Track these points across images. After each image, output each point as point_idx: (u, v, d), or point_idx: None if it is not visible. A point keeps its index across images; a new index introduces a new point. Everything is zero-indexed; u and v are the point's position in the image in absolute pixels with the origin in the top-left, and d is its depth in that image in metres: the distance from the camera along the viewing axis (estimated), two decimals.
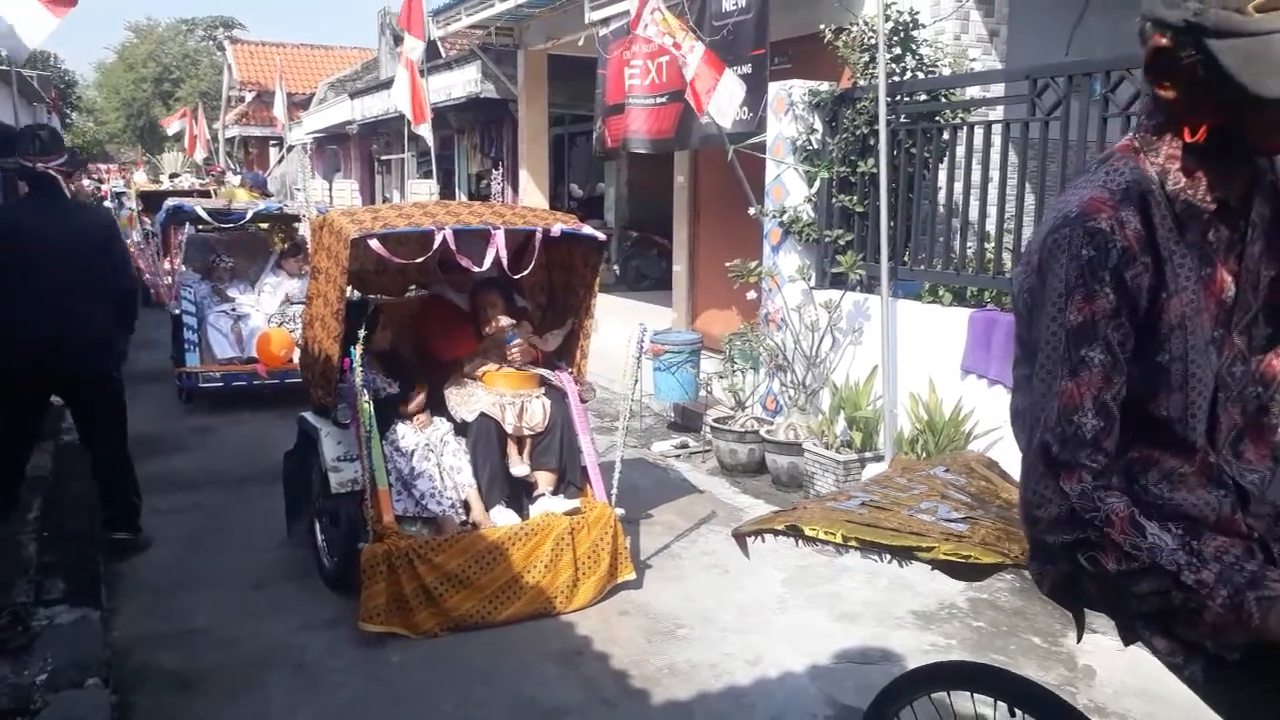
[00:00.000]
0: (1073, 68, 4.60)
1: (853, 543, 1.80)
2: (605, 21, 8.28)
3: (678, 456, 6.25)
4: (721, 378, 6.40)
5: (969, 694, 1.91)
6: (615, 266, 12.66)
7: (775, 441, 5.61)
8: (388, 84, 14.32)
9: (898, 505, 1.91)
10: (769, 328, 6.16)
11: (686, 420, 6.81)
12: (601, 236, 4.50)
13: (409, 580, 3.71)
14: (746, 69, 6.30)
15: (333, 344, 4.09)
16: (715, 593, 4.13)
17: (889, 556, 1.80)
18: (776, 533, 1.92)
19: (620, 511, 4.17)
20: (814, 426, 5.58)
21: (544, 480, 4.30)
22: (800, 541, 1.89)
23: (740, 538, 2.06)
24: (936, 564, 1.74)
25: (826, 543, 1.84)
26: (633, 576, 4.12)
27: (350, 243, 3.91)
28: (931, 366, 5.12)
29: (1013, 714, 1.84)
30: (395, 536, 3.79)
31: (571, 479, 4.32)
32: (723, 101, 5.65)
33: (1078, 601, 1.63)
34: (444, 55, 13.62)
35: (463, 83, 12.61)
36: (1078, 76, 4.50)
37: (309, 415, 4.36)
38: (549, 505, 4.16)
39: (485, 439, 4.20)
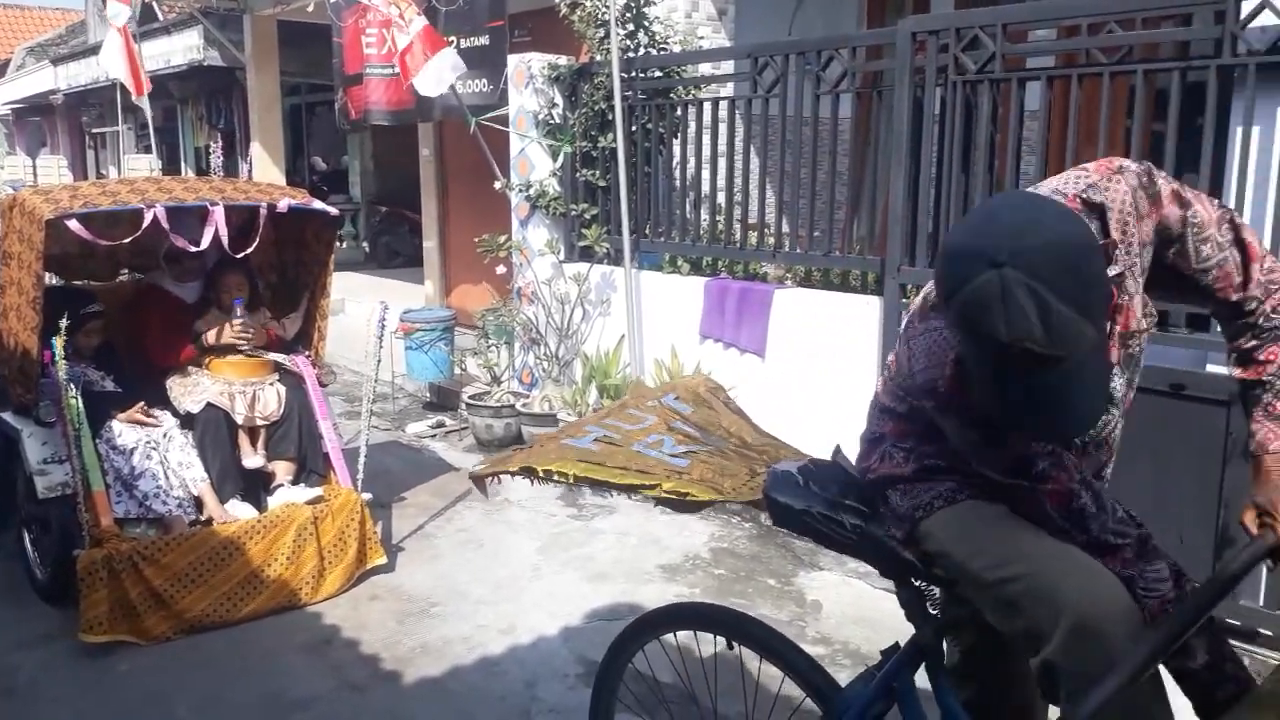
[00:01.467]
0: (788, 47, 4.90)
1: (584, 481, 1.86)
2: None
3: (433, 436, 6.17)
4: (476, 354, 6.37)
5: (692, 633, 2.05)
6: (364, 243, 12.26)
7: (531, 414, 5.66)
8: (96, 49, 13.00)
9: (628, 440, 1.99)
10: (521, 302, 6.18)
11: (442, 399, 6.73)
12: (334, 211, 4.34)
13: (134, 584, 3.45)
14: (484, 40, 6.26)
15: (30, 336, 3.71)
16: (470, 568, 4.13)
17: (616, 492, 1.88)
18: (512, 473, 1.95)
19: (367, 496, 4.07)
20: (568, 397, 5.68)
21: (283, 470, 4.13)
22: (535, 481, 1.93)
23: (478, 479, 2.08)
24: (659, 500, 1.85)
25: (560, 480, 1.89)
26: (384, 560, 4.04)
27: (45, 224, 3.55)
28: (674, 333, 5.34)
29: (730, 646, 1.99)
30: (115, 540, 3.51)
31: (313, 467, 4.17)
32: (429, 77, 5.62)
33: None
34: (160, 19, 12.54)
35: (183, 49, 11.68)
36: (794, 55, 4.80)
37: (8, 416, 3.94)
38: (289, 495, 3.99)
39: (213, 431, 3.96)
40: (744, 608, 3.59)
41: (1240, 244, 1.58)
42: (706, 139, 5.29)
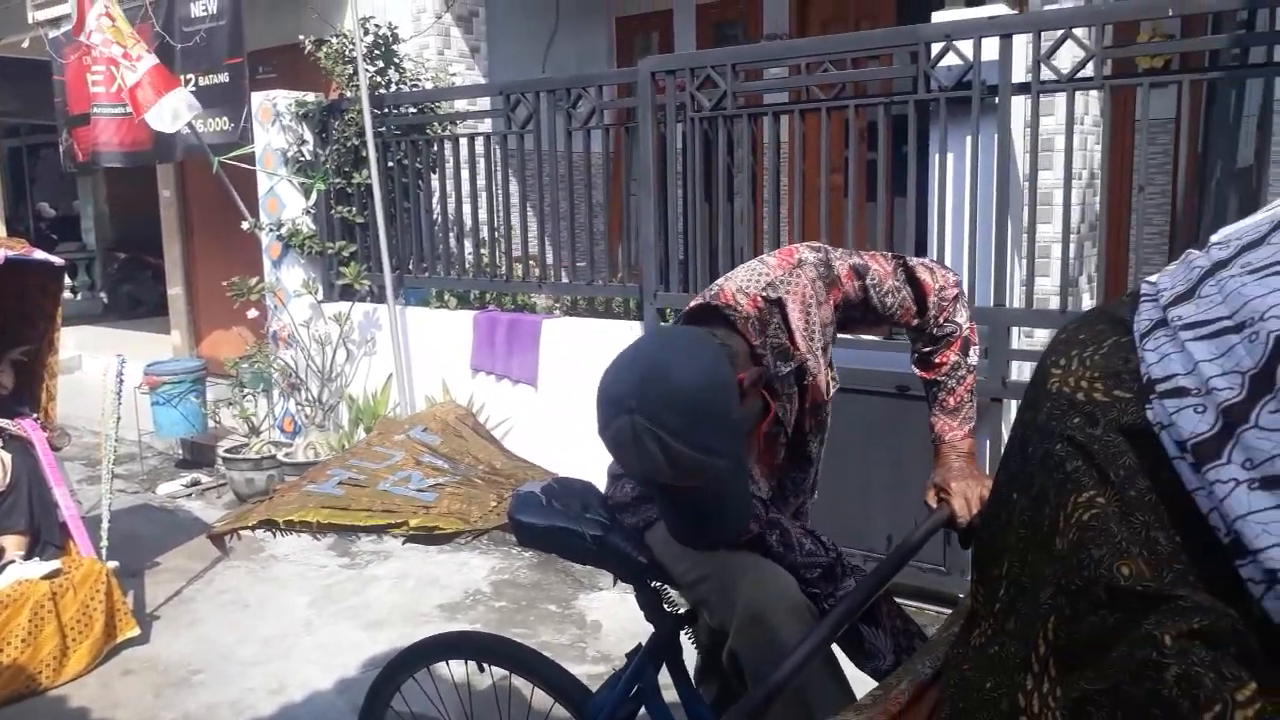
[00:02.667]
0: (539, 85, 5.03)
1: (328, 528, 1.83)
2: (55, 22, 7.35)
3: (189, 495, 5.78)
4: (231, 404, 6.04)
5: (447, 662, 2.06)
6: (102, 293, 11.30)
7: (295, 463, 5.42)
8: None
9: (374, 479, 1.97)
10: (278, 346, 5.93)
11: (196, 455, 6.31)
12: (58, 261, 4.02)
13: None
14: (223, 77, 6.00)
15: None
16: (235, 630, 3.90)
17: (364, 535, 1.86)
18: (252, 528, 1.89)
19: (114, 564, 3.77)
20: (334, 443, 5.49)
21: (13, 545, 3.74)
22: (278, 534, 1.88)
23: (216, 538, 1.99)
24: (408, 538, 1.85)
25: (304, 530, 1.85)
26: (136, 632, 3.75)
27: None
28: (445, 368, 5.30)
29: (481, 669, 2.02)
30: None
31: (49, 539, 3.81)
32: (164, 112, 5.36)
33: None
34: None
35: None
36: (545, 93, 4.92)
37: None
38: (22, 571, 3.63)
39: None
40: (525, 637, 3.61)
41: (914, 282, 1.79)
42: (465, 174, 5.32)
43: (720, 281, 1.71)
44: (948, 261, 3.70)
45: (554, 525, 1.80)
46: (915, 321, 1.82)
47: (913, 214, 3.75)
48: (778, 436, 1.79)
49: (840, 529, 3.53)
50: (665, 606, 1.92)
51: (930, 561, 3.65)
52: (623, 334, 4.62)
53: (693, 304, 1.71)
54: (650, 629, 1.96)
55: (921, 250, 3.97)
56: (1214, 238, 1.21)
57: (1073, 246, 3.87)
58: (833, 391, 1.84)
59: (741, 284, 1.67)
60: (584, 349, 4.76)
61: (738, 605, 1.71)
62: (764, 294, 1.65)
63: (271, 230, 5.87)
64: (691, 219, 4.29)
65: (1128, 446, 1.04)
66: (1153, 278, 1.28)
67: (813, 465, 1.89)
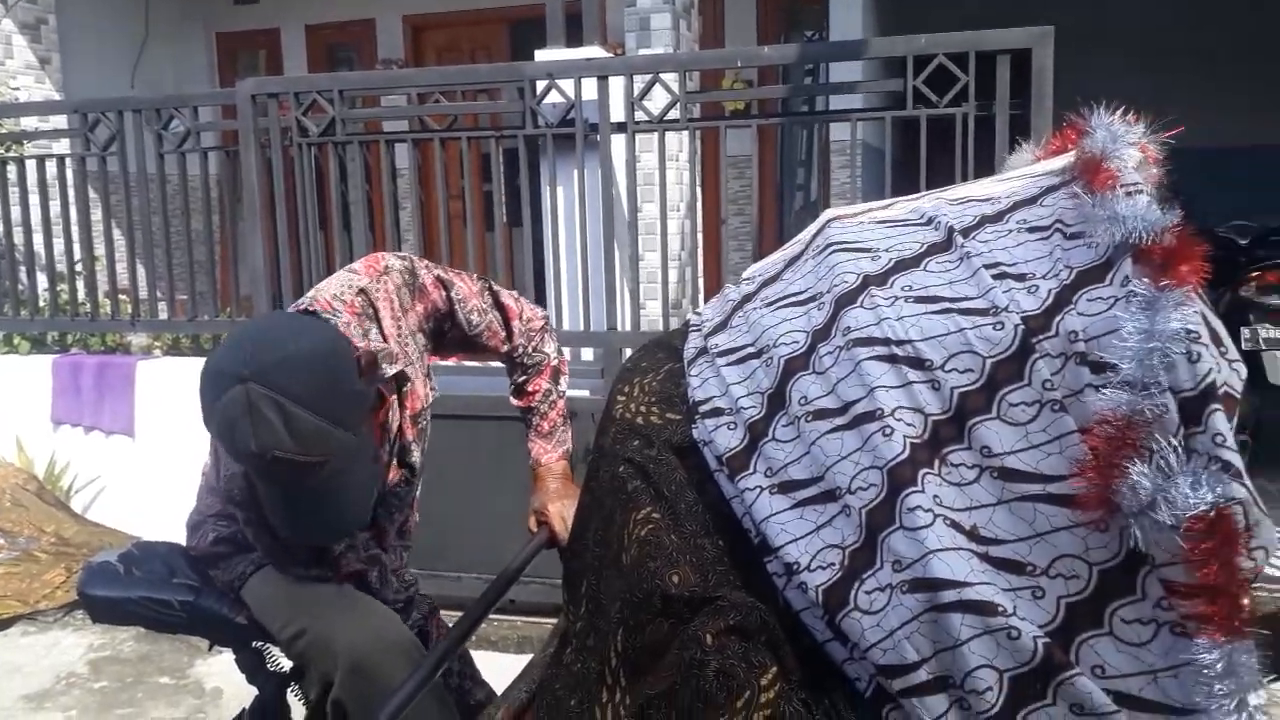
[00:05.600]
0: (123, 103, 4.56)
1: None
2: None
3: None
4: None
5: None
6: None
7: None
8: None
9: None
10: None
11: None
12: None
13: None
14: None
15: None
16: None
17: None
18: None
19: None
20: None
21: None
22: None
23: None
24: None
25: None
26: None
27: None
28: (19, 423, 4.61)
29: None
30: None
31: None
32: None
33: None
34: None
35: None
36: (131, 112, 4.47)
37: None
38: None
39: None
40: (133, 716, 3.24)
41: (500, 307, 1.88)
42: (36, 199, 4.68)
43: (312, 292, 1.71)
44: (563, 287, 3.87)
45: (134, 596, 1.64)
46: (504, 348, 1.90)
47: (529, 243, 3.88)
48: (383, 442, 1.77)
49: (459, 556, 3.56)
50: (269, 667, 1.81)
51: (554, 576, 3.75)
52: None
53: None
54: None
55: (540, 277, 4.12)
56: (745, 273, 1.39)
57: (674, 272, 4.21)
58: (431, 399, 1.86)
59: (336, 291, 1.67)
60: (188, 392, 4.36)
61: (339, 656, 1.66)
62: (358, 299, 1.67)
63: None
64: (307, 248, 4.11)
65: (678, 464, 1.16)
66: (699, 309, 1.44)
67: (416, 477, 1.89)
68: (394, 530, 1.87)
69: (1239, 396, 0.98)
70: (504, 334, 1.88)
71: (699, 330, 1.27)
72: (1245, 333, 5.04)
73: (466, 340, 1.85)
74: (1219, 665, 0.88)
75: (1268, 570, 1.00)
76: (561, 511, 1.85)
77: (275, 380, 1.36)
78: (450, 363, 4.19)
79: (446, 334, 1.83)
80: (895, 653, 0.95)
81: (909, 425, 1.01)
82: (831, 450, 1.04)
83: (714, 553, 1.07)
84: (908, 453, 1.00)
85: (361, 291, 1.68)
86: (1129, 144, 1.10)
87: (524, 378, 1.94)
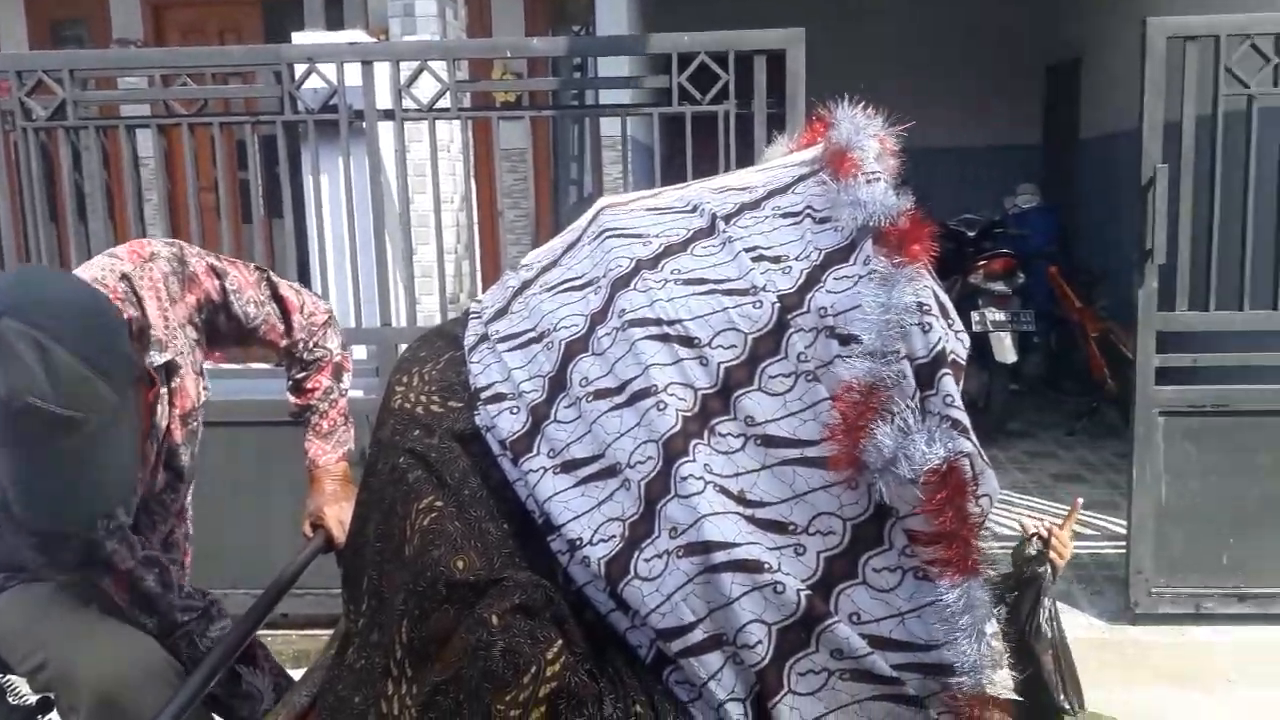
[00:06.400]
0: None
1: None
2: None
3: None
4: None
5: None
6: None
7: None
8: None
9: None
10: None
11: None
12: None
13: None
14: None
15: None
16: None
17: None
18: None
19: None
20: None
21: None
22: None
23: None
24: None
25: None
26: None
27: None
28: None
29: None
30: None
31: None
32: None
33: None
34: None
35: None
36: None
37: None
38: None
39: None
40: None
41: (278, 299, 1.78)
42: None
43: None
44: (331, 283, 3.73)
45: None
46: (283, 342, 1.80)
47: (292, 236, 3.70)
48: (150, 437, 1.63)
49: (238, 567, 3.36)
50: (11, 700, 1.64)
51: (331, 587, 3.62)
52: None
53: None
54: None
55: (305, 272, 3.94)
56: (523, 260, 1.40)
57: (451, 265, 4.15)
58: (203, 400, 1.73)
59: (96, 275, 1.53)
60: None
61: (84, 689, 1.51)
62: (121, 285, 1.54)
63: None
64: (35, 243, 3.72)
65: (461, 451, 1.16)
66: (480, 296, 1.44)
67: (184, 483, 1.76)
68: (158, 541, 1.72)
69: (964, 363, 1.11)
70: (283, 328, 1.78)
71: (479, 318, 1.27)
72: (975, 316, 5.58)
73: (243, 334, 1.74)
74: (958, 603, 0.98)
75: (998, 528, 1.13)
76: (339, 514, 1.78)
77: (35, 317, 1.18)
78: (210, 365, 3.95)
79: (221, 328, 1.71)
80: (673, 615, 1.00)
81: (680, 400, 1.07)
82: (611, 427, 1.07)
83: (498, 536, 1.08)
84: (680, 425, 1.05)
85: (124, 277, 1.53)
86: (869, 136, 1.21)
87: (303, 374, 1.85)
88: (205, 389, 1.75)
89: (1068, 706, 1.74)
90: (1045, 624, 1.75)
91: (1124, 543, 3.54)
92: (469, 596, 1.02)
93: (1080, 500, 2.04)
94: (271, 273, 1.82)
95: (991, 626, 0.99)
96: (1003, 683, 0.98)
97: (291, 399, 1.88)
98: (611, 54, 4.53)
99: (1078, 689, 1.76)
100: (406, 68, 3.56)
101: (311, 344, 1.83)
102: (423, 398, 1.19)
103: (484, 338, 1.23)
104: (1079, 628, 3.43)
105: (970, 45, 8.23)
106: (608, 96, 4.57)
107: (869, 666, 1.00)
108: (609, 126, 5.09)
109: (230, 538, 3.51)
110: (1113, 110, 6.51)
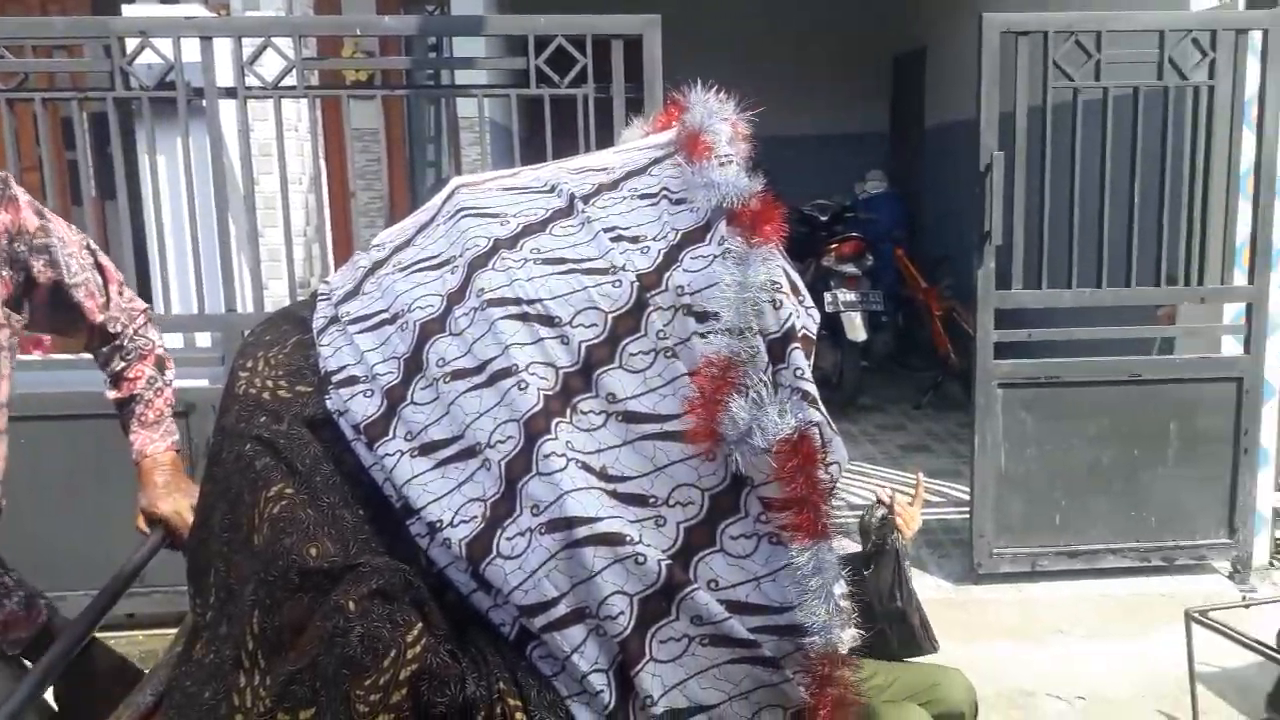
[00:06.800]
0: None
1: None
2: None
3: None
4: None
5: None
6: None
7: None
8: None
9: None
10: None
11: None
12: None
13: None
14: None
15: None
16: None
17: None
18: None
19: None
20: None
21: None
22: None
23: None
24: None
25: None
26: None
27: None
28: None
29: None
30: None
31: None
32: None
33: None
34: None
35: None
36: None
37: None
38: None
39: None
40: None
41: (99, 268, 1.72)
42: None
43: None
44: (171, 267, 3.55)
45: None
46: (100, 317, 1.72)
47: (127, 218, 3.49)
48: None
49: (77, 568, 3.17)
50: None
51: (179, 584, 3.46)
52: None
53: None
54: None
55: (142, 256, 3.73)
56: (374, 240, 1.37)
57: (300, 249, 4.01)
58: (15, 339, 1.62)
59: None
60: None
61: None
62: None
63: None
64: None
65: (312, 437, 1.12)
66: (329, 278, 1.40)
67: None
68: None
69: (814, 337, 1.15)
70: (103, 300, 1.71)
71: (328, 299, 1.23)
72: (828, 297, 5.78)
73: (61, 296, 1.64)
74: (808, 565, 1.02)
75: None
76: (174, 506, 1.70)
77: None
78: (36, 355, 3.69)
79: (39, 279, 1.61)
80: (536, 591, 1.01)
81: (542, 379, 1.07)
82: (470, 408, 1.07)
83: (354, 522, 1.06)
84: (541, 404, 1.05)
85: None
86: (722, 120, 1.23)
87: (123, 364, 1.77)
88: (17, 324, 1.63)
89: (932, 649, 1.97)
90: (911, 586, 1.94)
91: (968, 508, 3.75)
92: (324, 584, 1.00)
93: (921, 474, 2.19)
94: (91, 241, 1.75)
95: (840, 588, 1.03)
96: (850, 640, 1.03)
97: (111, 394, 1.80)
98: (466, 34, 4.45)
99: (933, 633, 1.97)
100: (250, 44, 3.40)
101: (133, 331, 1.77)
102: (269, 383, 1.15)
103: (334, 320, 1.20)
104: (928, 589, 3.62)
105: (822, 35, 8.47)
106: (464, 77, 4.50)
107: (727, 631, 1.02)
108: (466, 107, 4.99)
109: (68, 537, 3.30)
110: (954, 100, 6.84)
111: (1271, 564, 3.82)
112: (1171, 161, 3.60)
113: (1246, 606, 1.83)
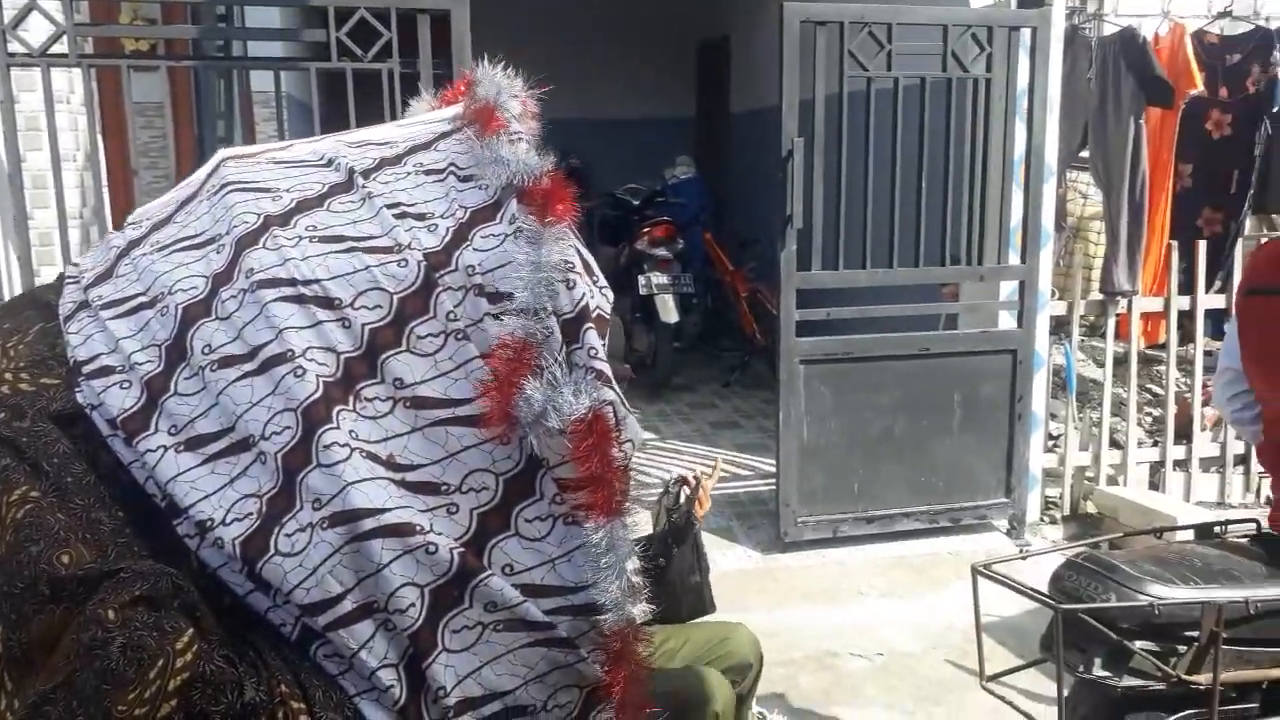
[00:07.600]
0: None
1: None
2: None
3: None
4: None
5: None
6: None
7: None
8: None
9: None
10: None
11: None
12: None
13: None
14: None
15: None
16: None
17: None
18: None
19: None
20: None
21: None
22: None
23: None
24: None
25: None
26: None
27: None
28: None
29: None
30: None
31: None
32: None
33: None
34: None
35: None
36: None
37: None
38: None
39: None
40: None
41: None
42: None
43: None
44: None
45: None
46: None
47: None
48: None
49: None
50: None
51: None
52: None
53: None
54: None
55: None
56: (130, 217, 1.26)
57: (76, 232, 3.68)
58: None
59: None
60: None
61: None
62: None
63: None
64: None
65: (60, 434, 1.02)
66: (77, 259, 1.28)
67: None
68: None
69: (608, 316, 1.14)
70: None
71: (77, 282, 1.13)
72: (642, 280, 5.86)
73: None
74: (602, 543, 1.02)
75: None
76: None
77: None
78: None
79: None
80: (319, 589, 0.96)
81: (321, 364, 1.01)
82: (242, 398, 1.00)
83: (113, 525, 0.97)
84: (321, 391, 1.00)
85: None
86: (512, 97, 1.21)
87: None
88: None
89: (713, 608, 2.09)
90: (706, 560, 2.02)
91: (774, 480, 3.90)
92: (79, 593, 0.91)
93: (720, 458, 2.27)
94: None
95: (633, 564, 1.04)
96: (643, 615, 1.04)
97: None
98: (259, 4, 4.20)
99: (712, 593, 2.10)
100: (10, 7, 3.08)
101: None
102: (8, 375, 1.04)
103: (84, 304, 1.09)
104: (738, 559, 3.75)
105: (631, 20, 8.52)
106: (258, 49, 4.24)
107: (522, 615, 1.01)
108: (261, 81, 4.71)
109: None
110: (758, 87, 7.05)
111: (1042, 519, 4.17)
112: (955, 149, 3.84)
113: (1024, 558, 1.99)
